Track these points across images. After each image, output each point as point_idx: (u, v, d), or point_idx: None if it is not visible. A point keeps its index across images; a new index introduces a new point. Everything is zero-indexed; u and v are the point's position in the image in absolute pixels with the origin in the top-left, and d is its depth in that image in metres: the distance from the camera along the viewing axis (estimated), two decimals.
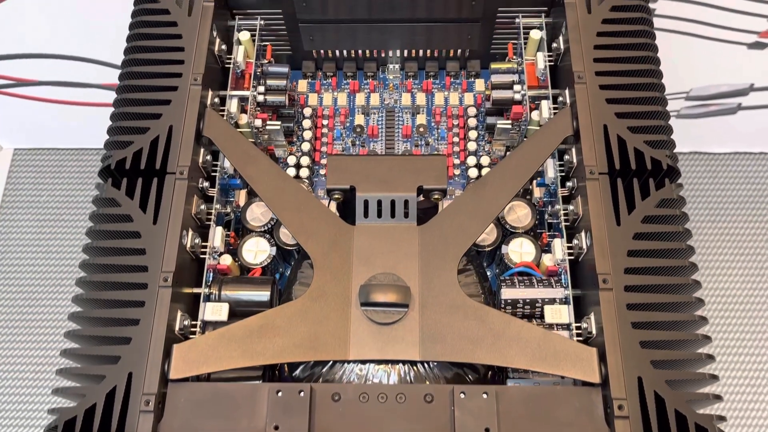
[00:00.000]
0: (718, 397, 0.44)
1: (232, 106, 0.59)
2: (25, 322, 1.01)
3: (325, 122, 0.68)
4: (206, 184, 0.55)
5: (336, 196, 0.54)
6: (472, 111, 0.67)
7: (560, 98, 0.56)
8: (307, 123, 0.67)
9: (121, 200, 0.50)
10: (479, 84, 0.69)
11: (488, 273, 0.59)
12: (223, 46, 0.60)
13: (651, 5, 1.00)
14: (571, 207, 0.52)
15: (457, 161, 0.66)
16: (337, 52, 0.69)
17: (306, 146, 0.65)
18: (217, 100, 0.57)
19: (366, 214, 0.52)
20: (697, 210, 1.13)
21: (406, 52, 0.69)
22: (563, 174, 0.55)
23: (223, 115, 0.58)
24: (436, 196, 0.53)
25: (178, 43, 0.56)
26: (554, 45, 0.58)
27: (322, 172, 0.66)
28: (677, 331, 0.45)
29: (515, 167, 0.52)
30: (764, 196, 1.14)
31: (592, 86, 0.53)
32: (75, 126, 1.17)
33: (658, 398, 0.43)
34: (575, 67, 0.54)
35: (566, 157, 0.54)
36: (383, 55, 0.69)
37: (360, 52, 0.69)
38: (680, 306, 0.46)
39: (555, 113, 0.57)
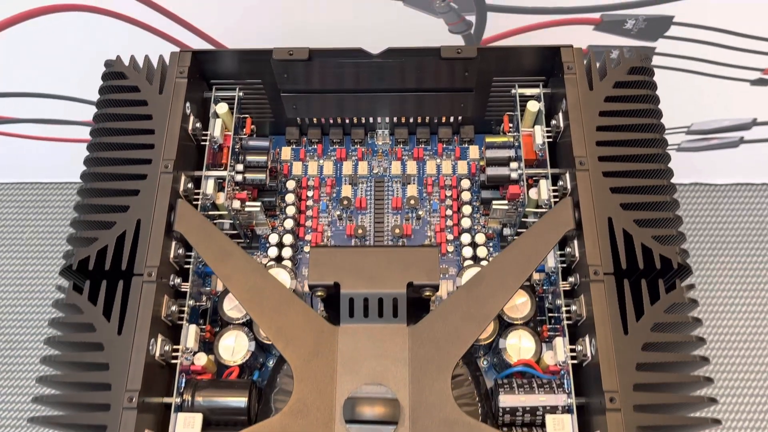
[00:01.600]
0: None
1: (208, 187, 0.55)
2: (5, 366, 0.96)
3: (309, 193, 0.64)
4: (178, 280, 0.50)
5: (319, 293, 0.50)
6: (465, 184, 0.63)
7: (560, 182, 0.52)
8: (290, 197, 0.62)
9: (83, 306, 0.46)
10: (473, 151, 0.65)
11: (484, 363, 0.55)
12: (198, 124, 0.56)
13: (651, 44, 0.97)
14: (574, 307, 0.48)
15: (450, 236, 0.62)
16: (323, 119, 0.65)
17: (289, 223, 0.61)
18: (191, 185, 0.53)
19: (351, 314, 0.48)
20: (697, 242, 1.09)
21: (395, 119, 0.65)
22: (564, 266, 0.51)
23: (197, 199, 0.54)
24: (427, 293, 0.49)
25: (148, 125, 0.52)
26: (553, 122, 0.55)
27: (306, 249, 0.62)
28: None
29: (513, 264, 0.48)
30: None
31: (594, 173, 0.49)
32: (59, 160, 1.14)
33: None
34: (576, 151, 0.50)
35: (567, 249, 0.50)
36: (372, 120, 0.65)
37: (347, 119, 0.65)
38: (694, 427, 0.42)
39: (555, 197, 0.53)
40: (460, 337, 0.47)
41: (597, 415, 0.44)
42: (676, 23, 0.94)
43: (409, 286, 0.48)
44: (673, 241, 0.47)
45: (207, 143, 0.56)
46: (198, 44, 0.86)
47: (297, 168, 0.65)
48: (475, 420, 0.45)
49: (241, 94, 0.59)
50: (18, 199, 1.14)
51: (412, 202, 0.63)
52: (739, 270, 1.05)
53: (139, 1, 0.88)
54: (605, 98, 0.52)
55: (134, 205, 0.49)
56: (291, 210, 0.62)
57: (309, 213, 0.63)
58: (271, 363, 0.56)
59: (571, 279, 0.50)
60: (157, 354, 0.46)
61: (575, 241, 0.49)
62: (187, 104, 0.54)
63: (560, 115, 0.54)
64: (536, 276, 0.56)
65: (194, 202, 0.54)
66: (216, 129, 0.57)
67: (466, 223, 0.61)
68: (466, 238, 0.60)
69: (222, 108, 0.58)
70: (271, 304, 0.48)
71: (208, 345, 0.53)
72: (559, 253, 0.51)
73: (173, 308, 0.49)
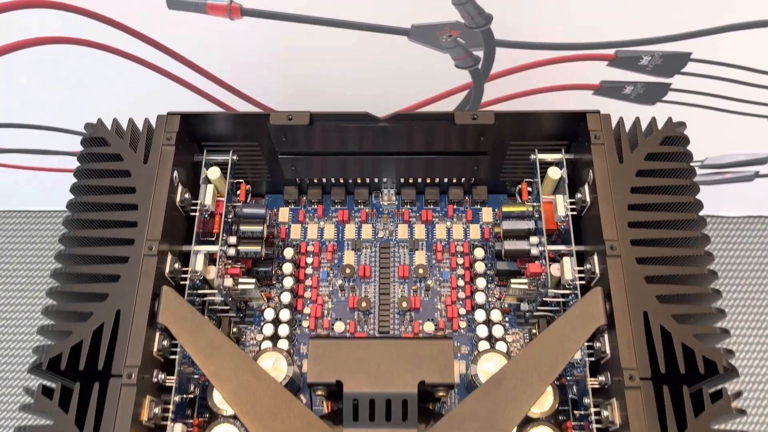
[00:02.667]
0: None
1: (198, 263, 0.50)
2: None
3: (309, 260, 0.59)
4: (162, 375, 0.45)
5: (319, 393, 0.44)
6: (479, 253, 0.58)
7: (587, 264, 0.47)
8: (287, 267, 0.57)
9: (53, 413, 0.41)
10: (486, 213, 0.60)
11: None
12: (187, 195, 0.50)
13: (668, 80, 0.93)
14: (605, 413, 0.43)
15: (462, 310, 0.56)
16: (324, 179, 0.60)
17: (286, 297, 0.56)
18: (177, 265, 0.48)
19: (356, 417, 0.43)
20: None
21: (402, 179, 0.60)
22: (592, 359, 0.46)
23: (185, 279, 0.49)
24: (440, 393, 0.44)
25: (131, 199, 0.47)
26: (578, 195, 0.50)
27: (305, 324, 0.57)
28: None
29: (538, 363, 0.43)
30: None
31: (627, 260, 0.44)
32: (48, 189, 1.10)
33: None
34: (607, 234, 0.45)
35: (597, 344, 0.45)
36: (376, 180, 0.60)
37: (350, 179, 0.60)
38: None
39: (580, 278, 0.48)
40: None
41: None
42: (694, 59, 0.90)
43: (420, 384, 0.43)
44: (716, 339, 0.42)
45: (197, 214, 0.51)
46: (188, 75, 0.82)
47: (295, 231, 0.60)
48: None
49: (235, 157, 0.54)
50: (4, 228, 1.10)
51: (421, 271, 0.58)
52: (752, 302, 1.02)
53: (133, 35, 0.84)
54: (637, 172, 0.47)
55: (114, 293, 0.44)
56: (288, 282, 0.57)
57: (308, 282, 0.58)
58: None
59: (601, 378, 0.44)
60: None
61: (605, 336, 0.44)
62: (175, 173, 0.49)
63: (586, 188, 0.49)
64: None
65: (182, 282, 0.49)
66: (207, 196, 0.52)
67: (480, 298, 0.55)
68: (480, 314, 0.55)
69: (214, 173, 0.53)
70: (265, 407, 0.43)
71: None
72: (586, 344, 0.46)
73: (156, 410, 0.44)
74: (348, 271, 0.58)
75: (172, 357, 0.46)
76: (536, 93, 0.90)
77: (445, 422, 0.43)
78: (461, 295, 0.57)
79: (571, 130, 0.52)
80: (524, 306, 0.56)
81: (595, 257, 0.47)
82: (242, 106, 0.85)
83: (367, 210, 0.61)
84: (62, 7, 0.77)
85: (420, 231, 0.60)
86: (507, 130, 0.52)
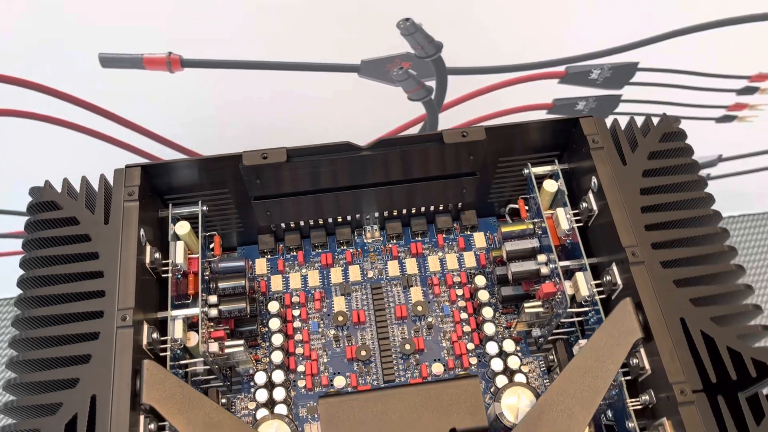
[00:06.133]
0: None
1: (177, 330, 0.44)
2: None
3: (296, 313, 0.53)
4: None
5: None
6: (480, 281, 0.54)
7: (606, 276, 0.44)
8: (274, 323, 0.52)
9: None
10: (479, 239, 0.57)
11: None
12: (157, 255, 0.45)
13: (617, 92, 0.94)
14: None
15: (470, 345, 0.52)
16: (302, 222, 0.55)
17: (277, 356, 0.50)
18: (156, 335, 0.42)
19: None
20: None
21: (385, 212, 0.56)
22: (629, 378, 0.42)
23: (165, 349, 0.42)
24: None
25: (96, 266, 0.41)
26: (584, 204, 0.46)
27: (301, 384, 0.51)
28: None
29: (576, 391, 0.39)
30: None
31: (651, 265, 0.41)
32: None
33: None
34: (625, 241, 0.42)
35: (633, 361, 0.41)
36: (358, 217, 0.56)
37: (329, 219, 0.55)
38: None
39: (599, 292, 0.44)
40: None
41: None
42: (641, 69, 0.91)
43: None
44: (759, 338, 0.39)
45: (170, 275, 0.45)
46: (129, 136, 0.77)
47: (276, 283, 0.55)
48: None
49: (204, 208, 0.48)
50: None
51: (420, 308, 0.53)
52: None
53: (66, 99, 0.79)
54: (643, 173, 0.44)
55: (85, 376, 0.38)
56: (278, 339, 0.51)
57: (298, 337, 0.52)
58: None
59: (644, 397, 0.41)
60: None
61: (642, 350, 0.40)
62: (141, 231, 0.43)
63: (591, 195, 0.46)
64: None
65: (162, 354, 0.43)
66: (178, 254, 0.46)
67: (489, 329, 0.51)
68: (492, 347, 0.50)
69: (183, 228, 0.47)
70: None
71: None
72: (622, 367, 0.42)
73: None
74: (340, 318, 0.53)
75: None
76: (491, 118, 0.89)
77: None
78: (466, 329, 0.53)
79: (560, 140, 0.50)
80: (536, 332, 0.51)
81: (614, 267, 0.43)
82: None
83: (351, 250, 0.57)
84: None
85: (412, 266, 0.56)
86: (496, 145, 0.49)
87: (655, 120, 0.48)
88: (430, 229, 0.58)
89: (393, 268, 0.56)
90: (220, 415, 0.38)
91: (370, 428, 0.39)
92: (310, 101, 0.80)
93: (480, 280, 0.54)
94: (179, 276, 0.47)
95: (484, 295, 0.53)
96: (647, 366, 0.40)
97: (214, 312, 0.47)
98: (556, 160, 0.50)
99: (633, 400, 0.41)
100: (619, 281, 0.43)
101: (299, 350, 0.52)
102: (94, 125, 0.82)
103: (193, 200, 0.49)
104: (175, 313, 0.44)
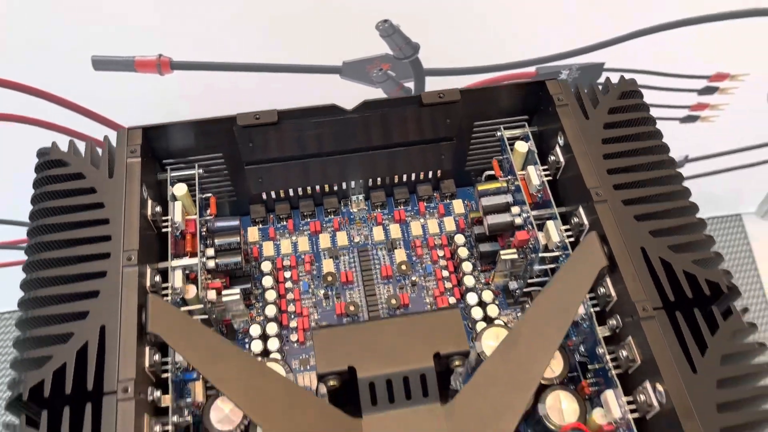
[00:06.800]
0: None
1: (176, 279, 0.47)
2: None
3: (287, 275, 0.57)
4: (158, 393, 0.41)
5: (332, 383, 0.42)
6: (460, 239, 0.57)
7: (574, 219, 0.48)
8: (267, 281, 0.55)
9: None
10: (458, 206, 0.61)
11: None
12: (158, 208, 0.48)
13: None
14: (624, 352, 0.42)
15: (452, 299, 0.55)
16: (291, 191, 0.59)
17: (271, 310, 0.53)
18: (158, 278, 0.45)
19: (374, 401, 0.41)
20: None
21: (369, 181, 0.60)
22: (598, 310, 0.46)
23: (167, 296, 0.45)
24: (456, 363, 0.43)
25: (101, 214, 0.44)
26: (551, 158, 0.51)
27: (293, 337, 0.54)
28: None
29: (549, 315, 0.42)
30: None
31: (614, 203, 0.45)
32: None
33: None
34: (589, 183, 0.46)
35: (601, 290, 0.45)
36: (344, 187, 0.60)
37: (317, 187, 0.59)
38: None
39: (569, 236, 0.48)
40: (508, 408, 0.40)
41: None
42: (607, 69, 0.96)
43: (435, 357, 0.42)
44: (714, 263, 0.43)
45: (169, 230, 0.48)
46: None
47: (268, 249, 0.58)
48: None
49: (201, 171, 0.52)
50: None
51: (404, 267, 0.57)
52: None
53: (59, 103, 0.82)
54: (604, 125, 0.49)
55: (94, 309, 0.40)
56: (271, 295, 0.54)
57: (290, 296, 0.55)
58: None
59: (611, 322, 0.44)
60: None
61: (608, 280, 0.44)
62: (144, 187, 0.46)
63: (558, 149, 0.50)
64: None
65: (164, 299, 0.45)
66: (177, 213, 0.49)
67: (469, 281, 0.55)
68: (472, 298, 0.54)
69: (180, 189, 0.51)
70: (279, 405, 0.40)
71: None
72: (589, 296, 0.46)
73: (157, 429, 0.39)
74: (330, 278, 0.56)
75: (165, 375, 0.43)
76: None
77: (467, 389, 0.41)
78: (448, 285, 0.56)
79: (530, 104, 0.54)
80: (512, 284, 0.55)
81: (581, 210, 0.47)
82: None
83: (338, 218, 0.60)
84: None
85: (395, 231, 0.59)
86: (471, 108, 0.53)
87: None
88: (411, 199, 0.61)
89: (378, 233, 0.59)
90: (222, 344, 0.41)
91: (360, 354, 0.42)
92: (298, 102, 0.84)
93: (459, 239, 0.57)
94: (178, 235, 0.50)
95: (463, 252, 0.56)
96: (613, 293, 0.44)
97: (211, 264, 0.50)
98: (527, 124, 0.55)
99: (602, 327, 0.45)
100: (585, 222, 0.47)
101: (291, 308, 0.55)
102: (86, 129, 0.85)
103: (190, 165, 0.52)
104: (174, 263, 0.47)
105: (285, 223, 0.60)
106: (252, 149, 0.52)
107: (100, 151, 0.48)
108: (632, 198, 0.45)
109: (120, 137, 0.48)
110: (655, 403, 0.40)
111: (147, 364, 0.41)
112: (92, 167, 0.46)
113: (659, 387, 0.39)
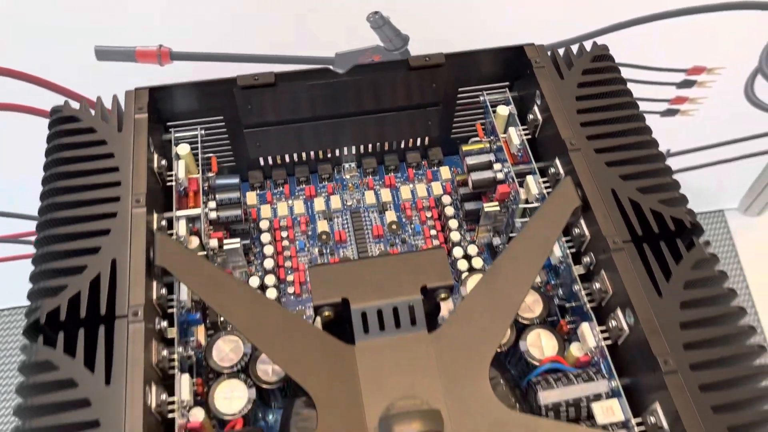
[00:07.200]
0: None
1: (181, 228, 0.50)
2: None
3: (284, 234, 0.60)
4: (164, 323, 0.44)
5: (326, 314, 0.45)
6: (446, 199, 0.61)
7: (551, 169, 0.51)
8: (266, 237, 0.58)
9: (58, 361, 0.39)
10: (444, 172, 0.64)
11: None
12: (163, 162, 0.51)
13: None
14: (597, 285, 0.46)
15: None
16: (287, 157, 0.62)
17: (269, 263, 0.56)
18: (164, 223, 0.48)
19: (366, 329, 0.44)
20: None
21: (361, 148, 0.63)
22: (574, 251, 0.49)
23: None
24: (443, 296, 0.46)
25: (111, 163, 0.48)
26: (530, 117, 0.54)
27: (290, 290, 0.57)
28: (763, 407, 0.39)
29: (528, 248, 0.46)
30: None
31: (587, 151, 0.49)
32: None
33: None
34: (564, 134, 0.50)
35: (576, 231, 0.48)
36: (338, 154, 0.63)
37: (312, 153, 0.62)
38: (757, 378, 0.40)
39: (546, 188, 0.52)
40: (489, 333, 0.43)
41: (651, 386, 0.41)
42: None
43: (422, 291, 0.45)
44: (678, 202, 0.47)
45: (173, 183, 0.52)
46: None
47: (266, 211, 0.61)
48: (529, 415, 0.41)
49: (203, 132, 0.55)
50: None
51: (394, 227, 0.60)
52: None
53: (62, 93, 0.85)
54: (578, 84, 0.53)
55: (106, 245, 0.44)
56: (269, 249, 0.57)
57: (287, 254, 0.59)
58: (271, 417, 0.50)
59: (585, 260, 0.48)
60: (153, 405, 0.39)
61: (582, 221, 0.48)
62: (150, 141, 0.50)
63: (536, 108, 0.54)
64: (539, 278, 0.53)
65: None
66: (180, 170, 0.53)
67: (455, 236, 0.58)
68: (458, 251, 0.57)
69: (184, 149, 0.54)
70: (278, 331, 0.43)
71: (202, 404, 0.47)
72: (565, 239, 0.50)
73: (164, 353, 0.42)
74: (324, 237, 0.59)
75: (170, 311, 0.46)
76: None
77: (452, 318, 0.44)
78: (435, 243, 0.60)
79: (511, 71, 0.58)
80: (496, 240, 0.59)
81: (557, 161, 0.51)
82: None
83: (332, 184, 0.64)
84: None
85: (386, 195, 0.63)
86: (455, 73, 0.57)
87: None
88: (401, 166, 0.65)
89: (369, 197, 0.63)
90: (224, 276, 0.44)
91: (354, 287, 0.45)
92: None
93: (446, 199, 0.61)
94: (181, 191, 0.53)
95: (449, 211, 0.60)
96: (587, 233, 0.47)
97: (213, 215, 0.53)
98: (508, 90, 0.58)
99: (577, 266, 0.48)
100: (561, 171, 0.50)
101: (288, 264, 0.58)
102: None
103: (193, 127, 0.56)
104: (179, 213, 0.51)
105: (281, 188, 0.63)
106: (250, 111, 0.56)
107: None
108: (604, 147, 0.49)
109: (128, 97, 0.51)
110: (625, 327, 0.43)
111: (155, 296, 0.44)
112: (102, 122, 0.50)
113: (629, 311, 0.43)
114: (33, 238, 1.13)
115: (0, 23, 0.77)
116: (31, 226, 1.08)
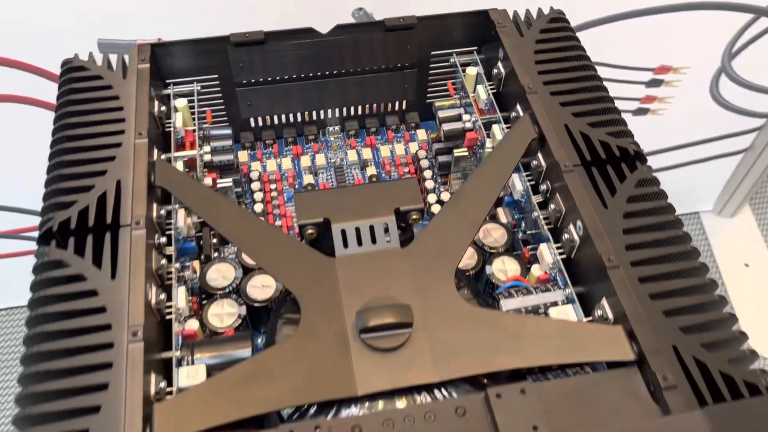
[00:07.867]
0: (755, 353, 0.42)
1: (178, 167, 0.55)
2: None
3: (272, 186, 0.65)
4: (163, 239, 0.49)
5: (309, 232, 0.50)
6: (422, 154, 0.66)
7: (513, 114, 0.57)
8: (256, 185, 0.63)
9: (69, 260, 0.44)
10: (421, 134, 0.70)
11: None
12: (163, 108, 0.57)
13: None
14: (552, 206, 0.51)
15: None
16: (275, 119, 0.68)
17: (259, 207, 0.62)
18: (164, 157, 0.54)
19: (345, 244, 0.49)
20: None
21: (345, 110, 0.69)
22: (533, 183, 0.55)
23: None
24: (414, 217, 0.51)
25: (117, 104, 0.53)
26: (495, 71, 0.60)
27: None
28: (694, 295, 0.44)
29: (490, 174, 0.51)
30: None
31: (543, 95, 0.55)
32: None
33: (699, 363, 0.40)
34: (523, 81, 0.56)
35: (534, 163, 0.54)
36: (322, 117, 0.69)
37: (299, 116, 0.68)
38: (689, 273, 0.45)
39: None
40: (454, 245, 0.48)
41: (598, 288, 0.46)
42: None
43: (395, 212, 0.50)
44: (624, 135, 0.53)
45: (172, 129, 0.57)
46: None
47: (256, 167, 0.67)
48: (492, 309, 0.45)
49: (199, 87, 0.61)
50: None
51: (374, 179, 0.65)
52: None
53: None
54: (536, 41, 0.59)
55: (112, 168, 0.49)
56: (259, 196, 0.62)
57: (275, 203, 0.64)
58: (260, 341, 0.55)
59: (542, 187, 0.53)
60: (153, 301, 0.44)
61: (539, 154, 0.53)
62: (151, 88, 0.55)
63: (500, 64, 0.60)
64: (504, 216, 0.58)
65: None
66: (178, 120, 0.58)
67: (429, 185, 0.64)
68: (432, 197, 0.63)
69: (181, 102, 0.60)
70: (266, 244, 0.48)
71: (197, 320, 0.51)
72: (525, 174, 0.55)
73: (163, 262, 0.47)
74: (309, 188, 0.65)
75: (169, 232, 0.51)
76: None
77: (422, 234, 0.49)
78: None
79: (479, 36, 0.64)
80: None
81: (518, 106, 0.57)
82: None
83: (317, 144, 0.69)
84: None
85: (367, 153, 0.68)
86: (427, 36, 0.63)
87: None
88: (381, 131, 0.71)
89: (352, 155, 0.68)
90: (217, 197, 0.50)
91: (335, 209, 0.50)
92: None
93: (421, 154, 0.66)
94: (178, 139, 0.59)
95: (425, 163, 0.65)
96: (543, 164, 0.53)
97: (207, 158, 0.58)
98: (476, 53, 0.65)
99: (536, 195, 0.54)
100: (521, 114, 0.56)
101: (276, 211, 0.63)
102: None
103: (189, 83, 0.61)
104: (176, 154, 0.56)
105: (270, 148, 0.69)
106: (242, 69, 0.62)
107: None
108: (558, 90, 0.55)
109: (132, 51, 0.57)
110: (576, 238, 0.48)
111: (155, 214, 0.49)
112: (109, 71, 0.55)
113: (579, 224, 0.48)
114: (30, 234, 1.16)
115: (2, 15, 0.82)
116: (29, 221, 1.11)
